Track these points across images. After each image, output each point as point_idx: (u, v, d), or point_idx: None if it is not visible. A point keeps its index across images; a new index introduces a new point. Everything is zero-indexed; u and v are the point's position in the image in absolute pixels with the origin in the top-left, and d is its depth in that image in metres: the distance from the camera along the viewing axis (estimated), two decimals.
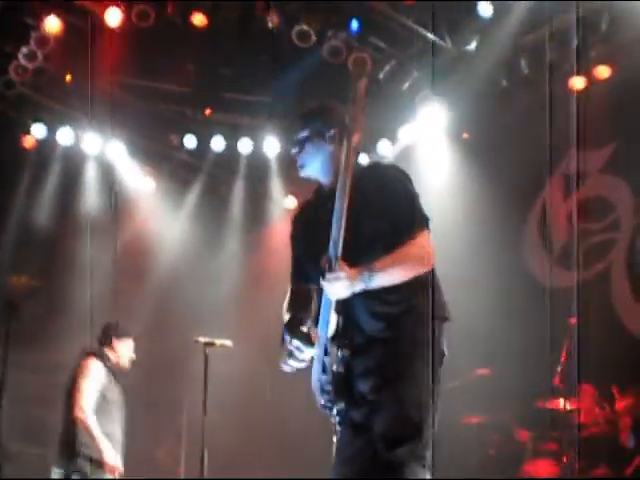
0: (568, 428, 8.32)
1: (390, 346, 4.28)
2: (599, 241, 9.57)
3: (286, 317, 4.54)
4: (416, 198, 4.41)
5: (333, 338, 4.22)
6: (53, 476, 7.18)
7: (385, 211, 4.26)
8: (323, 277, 4.07)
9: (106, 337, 7.57)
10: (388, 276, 4.16)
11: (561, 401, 8.30)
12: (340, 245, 4.05)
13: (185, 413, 6.79)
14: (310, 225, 4.57)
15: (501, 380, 8.94)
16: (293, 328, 4.41)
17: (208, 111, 10.50)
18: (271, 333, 10.05)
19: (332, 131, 4.42)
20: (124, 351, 7.58)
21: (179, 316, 9.90)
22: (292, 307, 4.57)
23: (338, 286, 4.06)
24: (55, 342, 9.64)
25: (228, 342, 6.71)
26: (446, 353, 4.54)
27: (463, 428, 9.00)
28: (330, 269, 4.02)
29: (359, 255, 4.12)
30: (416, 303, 4.33)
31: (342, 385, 4.30)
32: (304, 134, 4.48)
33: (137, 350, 7.58)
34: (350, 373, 4.28)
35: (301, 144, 4.52)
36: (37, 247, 10.09)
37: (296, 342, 4.33)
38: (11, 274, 10.26)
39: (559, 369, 8.37)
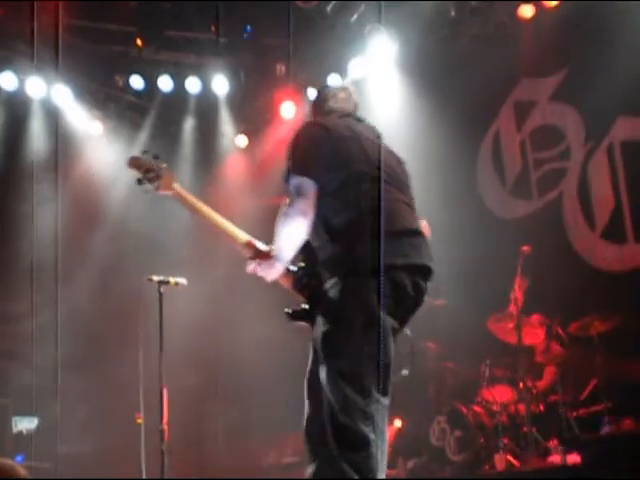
0: (522, 354, 8.43)
1: None
2: (550, 169, 9.62)
3: None
4: (297, 150, 4.69)
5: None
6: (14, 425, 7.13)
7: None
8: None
9: None
10: (287, 245, 4.60)
11: (514, 328, 8.41)
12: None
13: (141, 351, 6.72)
14: None
15: (457, 310, 9.02)
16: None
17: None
18: (223, 271, 10.16)
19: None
20: None
21: (132, 257, 9.82)
22: None
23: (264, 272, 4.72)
24: (5, 291, 9.53)
25: (182, 280, 6.64)
26: None
27: (420, 357, 9.09)
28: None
29: None
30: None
31: None
32: None
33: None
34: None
35: None
36: None
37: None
38: None
39: (513, 297, 8.47)
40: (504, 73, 9.58)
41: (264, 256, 4.72)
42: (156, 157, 5.11)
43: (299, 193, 4.57)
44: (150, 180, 5.02)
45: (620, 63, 8.50)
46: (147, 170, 5.01)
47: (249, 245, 4.91)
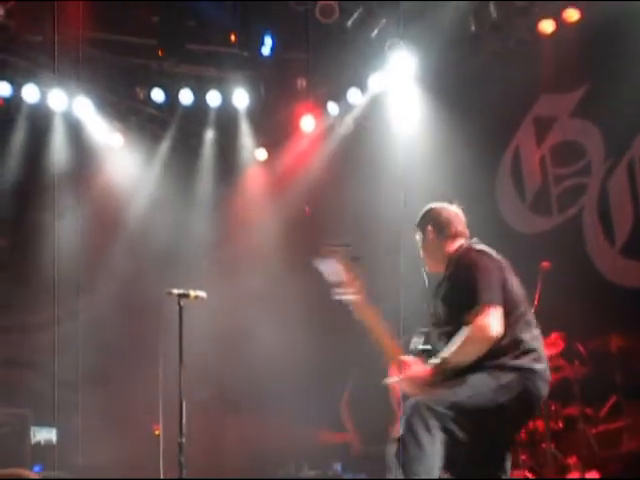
0: None
1: None
2: (570, 186, 9.60)
3: None
4: (481, 278, 5.02)
5: None
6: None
7: (460, 289, 5.08)
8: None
9: None
10: (458, 361, 4.91)
11: None
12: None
13: (161, 364, 6.74)
14: None
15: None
16: None
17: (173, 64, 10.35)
18: (242, 284, 10.18)
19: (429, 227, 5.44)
20: None
21: (152, 270, 9.86)
22: None
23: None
24: (26, 301, 9.59)
25: (202, 293, 6.66)
26: None
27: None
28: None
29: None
30: None
31: None
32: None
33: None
34: None
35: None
36: (5, 205, 9.98)
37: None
38: None
39: (532, 311, 8.43)
40: (524, 88, 9.59)
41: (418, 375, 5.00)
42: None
43: (487, 320, 4.84)
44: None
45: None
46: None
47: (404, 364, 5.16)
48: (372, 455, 8.50)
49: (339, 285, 5.24)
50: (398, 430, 8.39)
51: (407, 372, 5.04)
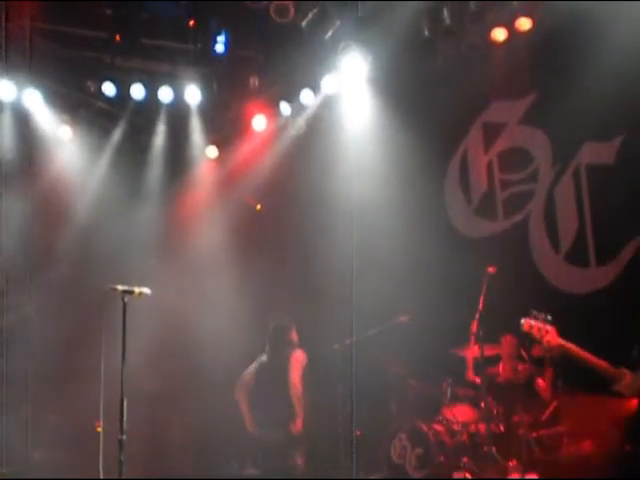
0: (485, 374, 8.51)
1: None
2: (517, 192, 9.72)
3: None
4: None
5: None
6: None
7: None
8: None
9: None
10: None
11: (477, 348, 8.48)
12: None
13: (103, 362, 6.68)
14: None
15: (420, 327, 9.08)
16: None
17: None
18: (189, 281, 10.14)
19: None
20: None
21: (99, 264, 9.78)
22: None
23: None
24: None
25: (146, 290, 6.63)
26: None
27: (383, 373, 9.15)
28: None
29: None
30: None
31: None
32: None
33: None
34: None
35: None
36: None
37: None
38: None
39: (477, 316, 8.54)
40: (475, 94, 9.69)
41: None
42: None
43: None
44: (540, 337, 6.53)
45: (589, 88, 8.61)
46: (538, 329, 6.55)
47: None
48: (265, 441, 8.56)
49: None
50: (299, 428, 8.58)
51: None
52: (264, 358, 9.20)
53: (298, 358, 9.02)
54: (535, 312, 6.67)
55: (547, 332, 6.57)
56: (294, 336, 9.15)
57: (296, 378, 8.90)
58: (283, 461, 8.77)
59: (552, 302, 9.01)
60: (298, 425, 8.83)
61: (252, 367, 9.31)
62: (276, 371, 8.98)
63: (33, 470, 8.60)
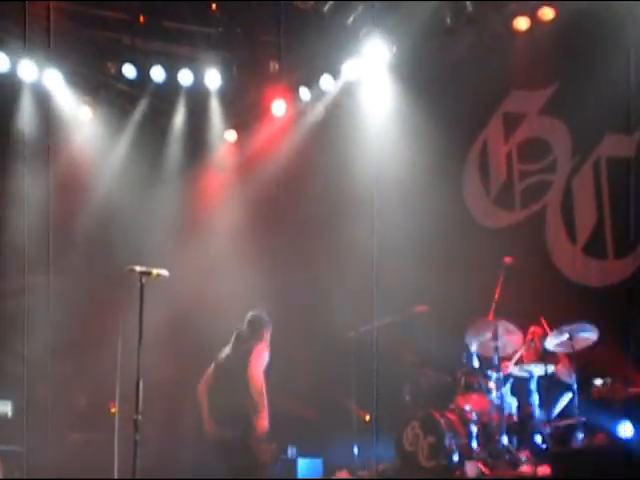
0: (498, 365, 8.51)
1: None
2: (535, 182, 9.68)
3: None
4: None
5: None
6: None
7: None
8: None
9: None
10: None
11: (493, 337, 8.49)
12: None
13: (120, 342, 6.68)
14: None
15: (437, 317, 9.08)
16: None
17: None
18: (207, 263, 10.15)
19: None
20: None
21: (116, 246, 9.82)
22: None
23: None
24: None
25: (164, 272, 6.60)
26: None
27: (397, 362, 9.16)
28: None
29: None
30: None
31: None
32: None
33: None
34: None
35: None
36: None
37: None
38: None
39: (493, 305, 8.54)
40: (496, 84, 9.64)
41: None
42: None
43: None
44: None
45: (611, 81, 8.57)
46: None
47: None
48: (226, 440, 8.40)
49: None
50: (263, 425, 8.24)
51: None
52: (226, 351, 8.61)
53: (260, 352, 8.37)
54: None
55: None
56: (266, 333, 8.68)
57: (255, 372, 8.23)
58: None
59: (566, 293, 9.06)
60: (262, 421, 8.13)
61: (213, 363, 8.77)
62: (237, 365, 8.36)
63: (51, 450, 8.65)
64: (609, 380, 8.13)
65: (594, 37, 8.83)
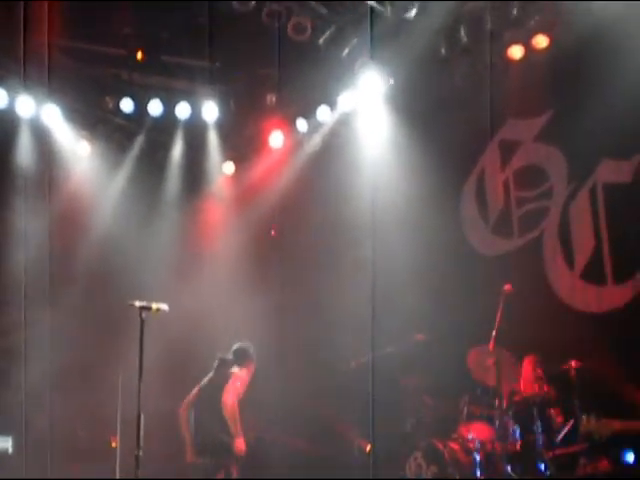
0: (501, 393, 8.49)
1: None
2: (532, 209, 9.72)
3: None
4: None
5: None
6: None
7: None
8: None
9: None
10: None
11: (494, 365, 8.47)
12: None
13: (121, 377, 6.69)
14: None
15: (437, 345, 9.07)
16: None
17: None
18: (206, 297, 10.17)
19: None
20: None
21: (115, 281, 9.83)
22: None
23: None
24: None
25: (164, 306, 6.63)
26: None
27: (399, 391, 9.13)
28: None
29: None
30: None
31: None
32: None
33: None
34: None
35: None
36: None
37: None
38: None
39: (494, 334, 8.53)
40: (491, 112, 9.69)
41: None
42: None
43: None
44: None
45: (605, 106, 8.62)
46: None
47: None
48: (202, 466, 8.45)
49: None
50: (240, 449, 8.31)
51: None
52: (209, 377, 8.81)
53: (236, 379, 8.63)
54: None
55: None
56: (249, 366, 8.79)
57: (227, 398, 8.45)
58: None
59: (566, 320, 9.06)
60: (239, 446, 8.40)
61: (195, 388, 8.92)
62: (215, 391, 8.59)
63: None
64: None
65: (588, 64, 8.90)
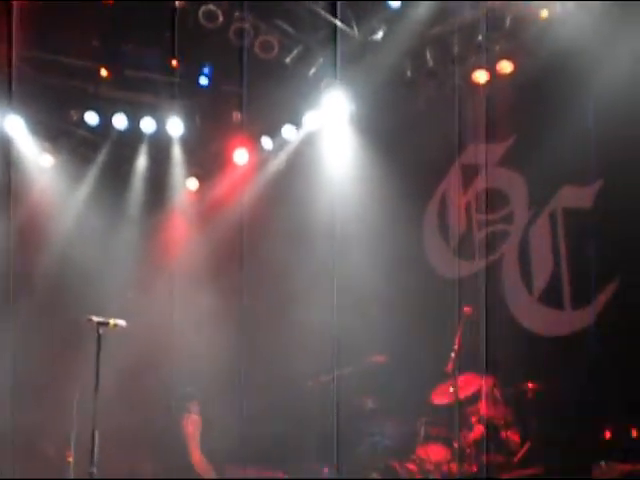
0: (460, 415, 8.52)
1: None
2: (492, 232, 9.80)
3: None
4: None
5: None
6: None
7: None
8: None
9: None
10: None
11: (452, 388, 8.50)
12: None
13: (77, 393, 6.65)
14: None
15: (396, 367, 9.10)
16: None
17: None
18: (165, 314, 10.12)
19: None
20: None
21: (74, 295, 9.75)
22: None
23: None
24: None
25: (122, 322, 6.63)
26: None
27: (357, 412, 9.14)
28: None
29: None
30: None
31: None
32: None
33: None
34: None
35: None
36: None
37: None
38: None
39: (452, 356, 8.57)
40: (455, 135, 9.77)
41: None
42: None
43: None
44: None
45: (569, 133, 8.73)
46: None
47: None
48: None
49: None
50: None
51: None
52: None
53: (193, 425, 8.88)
54: None
55: None
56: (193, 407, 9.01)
57: (197, 456, 8.77)
58: None
59: (524, 343, 9.13)
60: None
61: None
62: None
63: None
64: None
65: (551, 90, 9.03)
